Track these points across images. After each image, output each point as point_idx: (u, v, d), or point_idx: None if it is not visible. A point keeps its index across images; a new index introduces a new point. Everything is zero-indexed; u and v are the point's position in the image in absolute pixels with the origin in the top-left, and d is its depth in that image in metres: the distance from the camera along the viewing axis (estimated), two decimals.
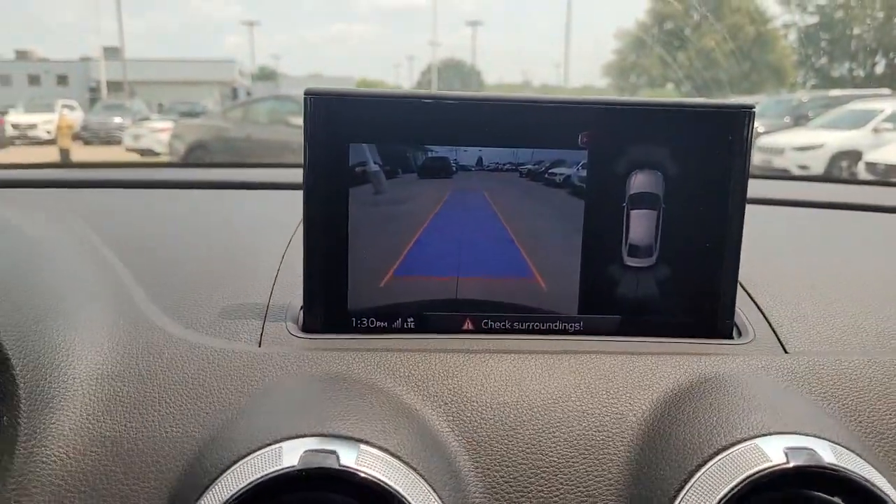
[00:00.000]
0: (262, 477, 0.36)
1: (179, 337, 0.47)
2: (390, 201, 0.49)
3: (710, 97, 0.50)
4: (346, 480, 0.37)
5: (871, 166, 6.69)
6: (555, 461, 0.42)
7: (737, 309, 0.52)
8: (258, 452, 0.38)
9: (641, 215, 0.50)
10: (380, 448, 0.38)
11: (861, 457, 0.39)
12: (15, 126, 13.11)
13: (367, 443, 0.38)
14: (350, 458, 0.37)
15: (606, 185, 0.49)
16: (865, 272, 0.61)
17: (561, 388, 0.44)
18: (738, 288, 0.52)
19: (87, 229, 0.63)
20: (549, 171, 0.49)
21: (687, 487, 0.39)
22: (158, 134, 11.84)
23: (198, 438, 0.41)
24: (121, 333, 0.47)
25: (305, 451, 0.37)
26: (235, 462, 0.38)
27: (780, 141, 8.23)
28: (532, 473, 0.41)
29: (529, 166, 0.49)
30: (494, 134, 0.49)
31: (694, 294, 0.51)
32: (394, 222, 0.49)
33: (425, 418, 0.43)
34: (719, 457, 0.39)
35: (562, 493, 0.41)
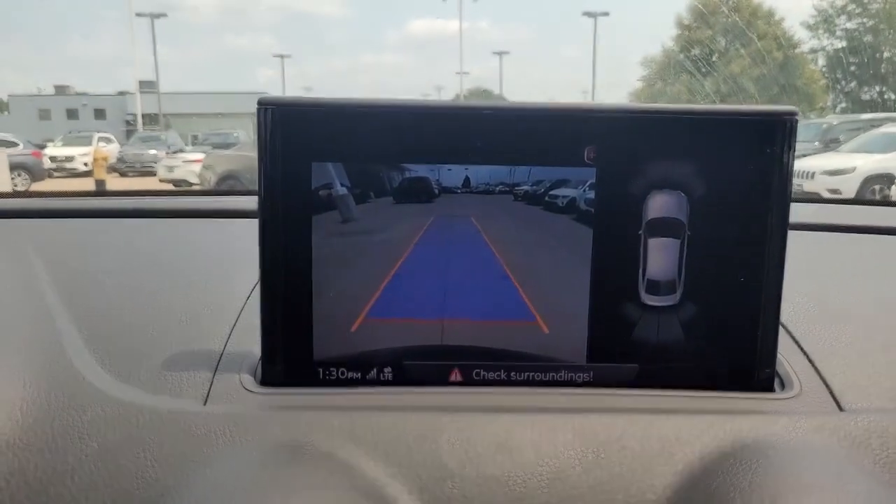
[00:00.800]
0: None
1: (108, 394, 0.40)
2: (361, 230, 0.42)
3: None
4: None
5: None
6: None
7: (779, 356, 0.44)
8: None
9: (661, 245, 0.42)
10: None
11: None
12: (53, 159, 13.52)
13: None
14: None
15: (619, 210, 0.42)
16: None
17: (564, 459, 0.37)
18: (781, 331, 0.45)
19: (35, 264, 0.57)
20: (550, 192, 0.42)
21: None
22: (191, 165, 12.09)
23: None
24: (38, 389, 0.40)
25: None
26: None
27: (810, 165, 8.13)
28: None
29: (526, 187, 0.42)
30: (484, 149, 0.41)
31: (727, 338, 0.43)
32: (366, 255, 0.42)
33: (393, 498, 0.36)
34: None
35: None
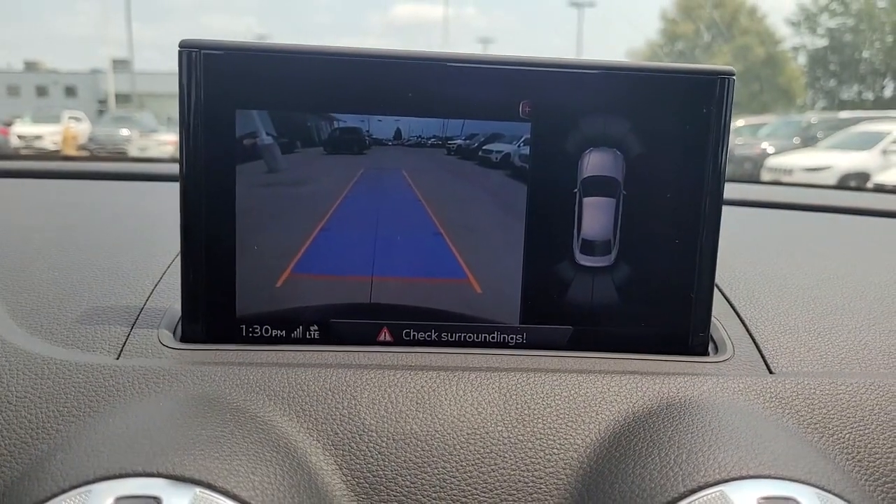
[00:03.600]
0: None
1: (15, 344, 0.39)
2: (288, 182, 0.40)
3: None
4: None
5: (879, 188, 6.64)
6: None
7: (714, 320, 0.44)
8: (60, 497, 0.30)
9: (596, 204, 0.41)
10: (225, 493, 0.30)
11: None
12: (21, 136, 13.10)
13: (207, 485, 0.30)
14: None
15: (554, 167, 0.41)
16: (866, 281, 0.52)
17: (486, 415, 0.36)
18: (717, 295, 0.45)
19: None
20: (484, 147, 0.41)
21: None
22: (165, 147, 11.85)
23: (5, 476, 0.33)
24: None
25: (117, 498, 0.29)
26: None
27: (789, 162, 8.22)
28: None
29: (459, 141, 0.40)
30: (417, 101, 0.40)
31: (661, 301, 0.42)
32: (292, 208, 0.40)
33: (305, 453, 0.34)
34: None
35: None
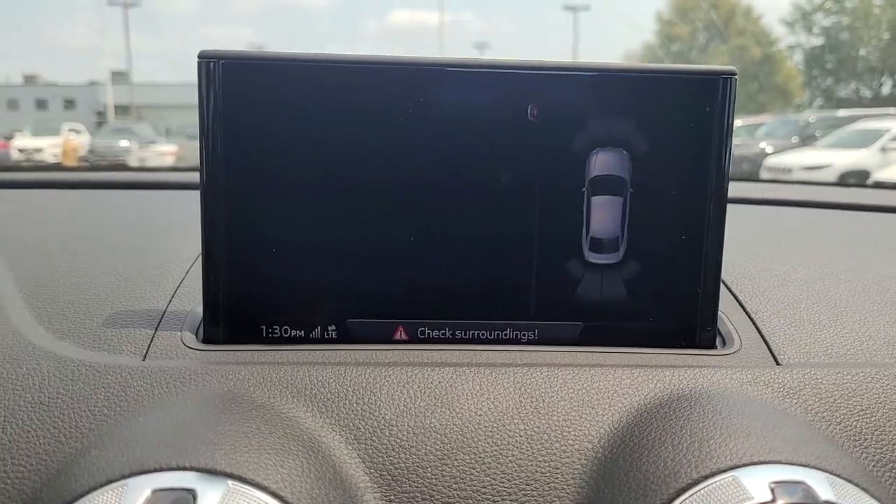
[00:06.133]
0: None
1: (45, 349, 0.40)
2: (305, 185, 0.42)
3: None
4: None
5: (879, 185, 6.62)
6: (489, 499, 0.35)
7: (721, 315, 0.45)
8: (97, 492, 0.30)
9: (604, 203, 0.42)
10: (256, 485, 0.31)
11: (867, 491, 0.32)
12: (21, 150, 13.14)
13: (238, 478, 0.31)
14: (212, 499, 0.30)
15: (562, 167, 0.42)
16: (871, 274, 0.53)
17: (502, 409, 0.37)
18: (723, 290, 0.46)
19: None
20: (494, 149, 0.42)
21: None
22: (164, 157, 11.86)
23: (42, 473, 0.34)
24: None
25: (154, 491, 0.30)
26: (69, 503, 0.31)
27: (788, 161, 8.21)
28: None
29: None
30: (428, 106, 0.41)
31: (669, 296, 0.43)
32: (309, 211, 0.42)
33: (329, 447, 0.35)
34: (689, 493, 0.32)
35: None
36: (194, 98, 0.41)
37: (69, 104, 31.51)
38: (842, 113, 11.51)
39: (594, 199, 0.42)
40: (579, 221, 0.42)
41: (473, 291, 0.43)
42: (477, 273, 0.42)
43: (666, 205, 0.42)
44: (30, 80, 33.45)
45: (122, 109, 26.24)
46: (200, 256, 0.42)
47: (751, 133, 11.41)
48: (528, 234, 0.42)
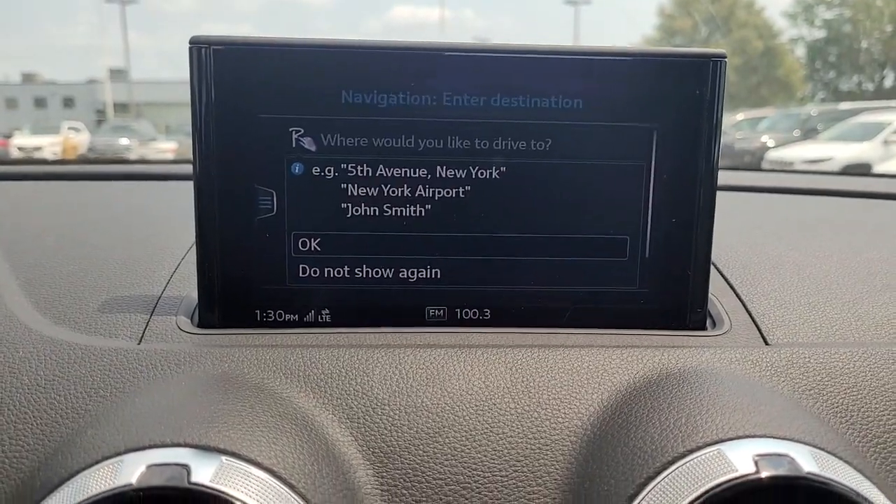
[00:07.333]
0: (87, 500, 0.30)
1: (42, 333, 0.41)
2: (302, 175, 0.43)
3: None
4: (199, 501, 0.30)
5: (865, 174, 6.61)
6: (479, 475, 0.36)
7: (712, 297, 0.46)
8: (93, 468, 0.31)
9: None
10: (249, 461, 0.32)
11: (850, 464, 0.33)
12: (21, 148, 13.08)
13: (232, 454, 0.32)
14: (205, 474, 0.30)
15: None
16: (858, 258, 0.54)
17: (493, 388, 0.38)
18: (714, 273, 0.47)
19: None
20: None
21: None
22: (165, 155, 11.84)
23: (39, 453, 0.35)
24: None
25: (149, 466, 0.30)
26: (66, 480, 0.32)
27: (790, 154, 8.17)
28: (451, 491, 0.35)
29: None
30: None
31: (659, 278, 0.44)
32: (305, 200, 0.43)
33: (322, 426, 0.36)
34: (675, 467, 0.33)
35: None
36: None
37: (68, 102, 31.48)
38: (844, 106, 11.45)
39: None
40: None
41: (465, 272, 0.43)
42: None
43: (657, 187, 0.42)
44: (28, 78, 33.39)
45: (121, 107, 26.25)
46: (195, 238, 0.42)
47: (753, 127, 11.37)
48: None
